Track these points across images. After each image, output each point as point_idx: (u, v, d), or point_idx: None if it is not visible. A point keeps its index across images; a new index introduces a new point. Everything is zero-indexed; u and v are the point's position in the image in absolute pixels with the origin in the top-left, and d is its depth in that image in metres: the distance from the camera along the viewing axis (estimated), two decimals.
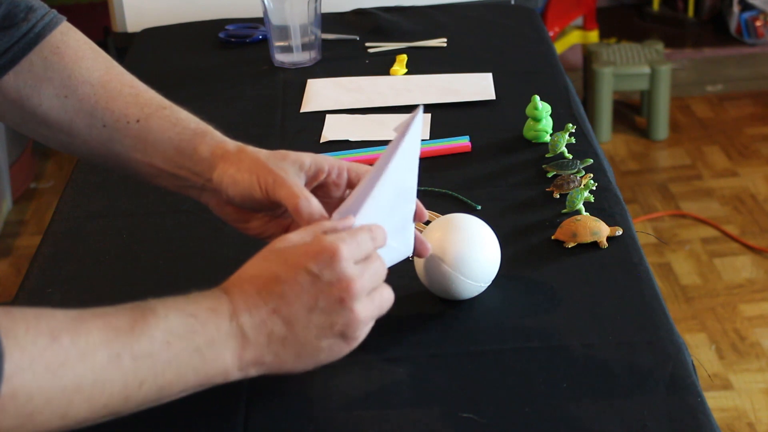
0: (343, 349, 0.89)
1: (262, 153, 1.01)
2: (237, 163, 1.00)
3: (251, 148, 1.02)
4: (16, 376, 0.75)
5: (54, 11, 1.09)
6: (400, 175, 0.96)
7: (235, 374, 0.86)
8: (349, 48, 1.77)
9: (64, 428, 0.79)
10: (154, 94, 1.08)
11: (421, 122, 0.96)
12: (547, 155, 1.35)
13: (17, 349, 0.75)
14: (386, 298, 0.91)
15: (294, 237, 0.89)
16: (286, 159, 1.00)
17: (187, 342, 0.83)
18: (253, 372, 0.87)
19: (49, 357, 0.77)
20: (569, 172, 1.28)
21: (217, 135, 1.04)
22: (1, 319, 0.76)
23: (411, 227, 1.00)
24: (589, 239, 1.15)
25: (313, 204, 0.96)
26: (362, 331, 0.89)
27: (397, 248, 0.98)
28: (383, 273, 0.91)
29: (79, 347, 0.78)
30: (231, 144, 1.03)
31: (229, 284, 0.88)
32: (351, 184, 1.03)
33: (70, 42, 1.08)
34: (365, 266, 0.89)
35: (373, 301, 0.89)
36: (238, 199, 1.01)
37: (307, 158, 1.01)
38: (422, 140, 1.42)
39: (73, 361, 0.78)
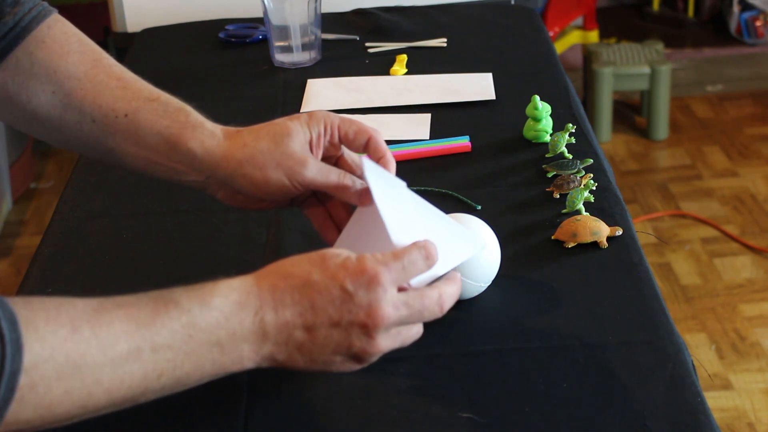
0: (354, 367, 0.89)
1: (264, 142, 0.99)
2: (249, 162, 0.99)
3: (249, 137, 1.00)
4: (36, 367, 0.75)
5: (43, 4, 1.06)
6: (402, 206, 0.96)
7: (249, 365, 0.86)
8: (349, 48, 1.77)
9: (84, 417, 0.80)
10: (144, 86, 1.05)
11: (376, 170, 0.96)
12: (547, 155, 1.35)
13: (37, 341, 0.75)
14: (413, 334, 0.90)
15: (347, 253, 0.88)
16: (290, 136, 0.99)
17: (209, 335, 0.83)
18: (265, 365, 0.87)
19: (69, 348, 0.77)
20: (569, 172, 1.28)
21: (208, 129, 1.02)
22: (20, 309, 0.76)
23: (458, 231, 1.00)
24: (589, 239, 1.15)
25: (357, 184, 0.99)
26: (376, 358, 0.89)
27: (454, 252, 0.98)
28: (429, 314, 0.89)
29: (99, 339, 0.78)
30: (224, 137, 1.01)
31: (265, 273, 0.87)
32: (342, 140, 1.02)
33: (56, 35, 1.05)
34: (407, 302, 0.87)
35: (399, 335, 0.89)
36: (261, 196, 1.01)
37: (306, 129, 1.00)
38: (422, 140, 1.43)
39: (93, 352, 0.78)
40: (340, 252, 0.87)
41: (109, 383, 0.79)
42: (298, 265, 0.87)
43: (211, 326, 0.83)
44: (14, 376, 0.74)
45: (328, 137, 1.01)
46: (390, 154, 1.01)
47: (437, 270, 0.93)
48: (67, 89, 1.04)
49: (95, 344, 0.78)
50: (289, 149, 0.99)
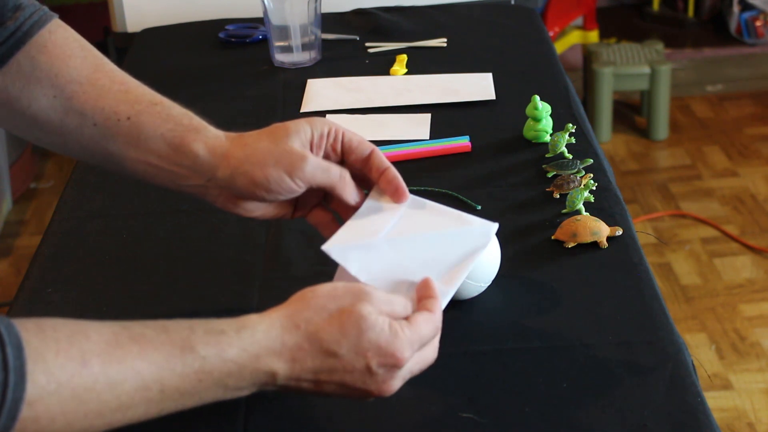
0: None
1: (265, 141, 0.99)
2: (249, 160, 0.98)
3: (250, 138, 1.00)
4: (41, 401, 0.75)
5: (44, 9, 1.06)
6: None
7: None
8: (349, 48, 1.77)
9: None
10: (146, 90, 1.05)
11: (341, 248, 0.97)
12: (547, 155, 1.35)
13: (44, 374, 0.75)
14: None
15: (378, 309, 0.87)
16: (289, 135, 0.99)
17: (218, 381, 0.83)
18: None
19: (76, 383, 0.77)
20: (569, 172, 1.28)
21: (212, 132, 1.02)
22: (31, 337, 0.76)
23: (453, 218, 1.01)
24: (589, 239, 1.15)
25: (353, 188, 1.00)
26: None
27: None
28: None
29: (108, 375, 0.78)
30: (226, 139, 1.01)
31: (294, 326, 0.85)
32: (345, 149, 1.02)
33: (57, 40, 1.05)
34: (412, 370, 0.89)
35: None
36: (262, 195, 1.00)
37: (307, 128, 1.00)
38: (422, 140, 1.42)
39: (100, 389, 0.78)
40: (375, 321, 0.85)
41: (111, 417, 0.79)
42: (330, 331, 0.85)
43: (223, 375, 0.83)
44: (16, 405, 0.74)
45: (331, 140, 1.01)
46: (393, 168, 1.01)
47: (452, 289, 0.94)
48: (69, 93, 1.04)
49: (103, 381, 0.78)
50: (288, 147, 0.98)
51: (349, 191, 1.00)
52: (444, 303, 0.93)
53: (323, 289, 0.87)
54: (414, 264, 0.95)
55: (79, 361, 0.77)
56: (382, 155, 1.02)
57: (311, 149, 1.00)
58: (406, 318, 0.88)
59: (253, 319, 0.85)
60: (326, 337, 0.85)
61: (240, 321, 0.85)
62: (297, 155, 0.98)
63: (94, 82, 1.04)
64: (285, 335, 0.84)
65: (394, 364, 0.85)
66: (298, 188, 0.99)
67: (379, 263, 0.96)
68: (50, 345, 0.77)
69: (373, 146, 1.02)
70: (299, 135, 0.99)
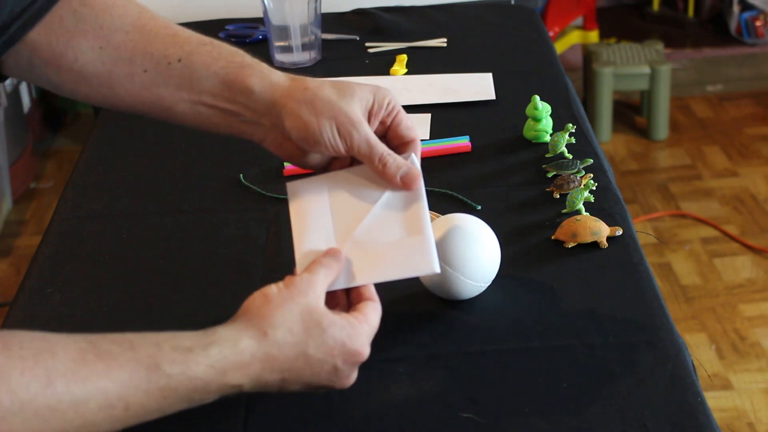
0: None
1: (328, 90, 0.97)
2: (308, 105, 0.97)
3: (313, 83, 0.98)
4: (4, 420, 0.75)
5: None
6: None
7: None
8: (349, 48, 1.77)
9: None
10: (193, 33, 1.05)
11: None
12: (547, 155, 1.35)
13: (8, 394, 0.75)
14: None
15: (340, 320, 0.89)
16: (354, 96, 0.97)
17: (184, 397, 0.83)
18: None
19: (40, 403, 0.76)
20: (569, 172, 1.28)
21: (265, 68, 1.01)
22: None
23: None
24: (589, 239, 1.15)
25: (397, 161, 0.96)
26: None
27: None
28: None
29: (73, 394, 0.78)
30: (285, 79, 0.99)
31: (262, 334, 0.86)
32: (395, 121, 1.00)
33: None
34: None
35: None
36: (305, 143, 0.98)
37: (370, 96, 0.98)
38: (422, 140, 1.42)
39: (64, 408, 0.78)
40: (334, 318, 0.88)
41: None
42: (296, 332, 0.87)
43: (188, 391, 0.83)
44: None
45: (387, 112, 0.99)
46: (417, 162, 0.99)
47: (429, 230, 0.94)
48: (116, 43, 1.03)
49: (68, 400, 0.78)
50: (348, 106, 0.96)
51: (387, 173, 0.97)
52: (434, 253, 0.93)
53: (272, 290, 0.89)
54: (379, 246, 0.95)
55: (44, 380, 0.77)
56: (419, 148, 1.00)
57: (369, 118, 0.98)
58: (357, 309, 0.91)
59: (220, 333, 0.85)
60: (293, 339, 0.86)
61: (208, 336, 0.85)
62: (353, 119, 0.96)
63: (139, 28, 1.04)
64: (253, 346, 0.85)
65: (358, 361, 0.89)
66: (340, 151, 0.97)
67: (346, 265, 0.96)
68: (15, 363, 0.76)
69: (417, 138, 1.00)
70: (362, 100, 0.97)
